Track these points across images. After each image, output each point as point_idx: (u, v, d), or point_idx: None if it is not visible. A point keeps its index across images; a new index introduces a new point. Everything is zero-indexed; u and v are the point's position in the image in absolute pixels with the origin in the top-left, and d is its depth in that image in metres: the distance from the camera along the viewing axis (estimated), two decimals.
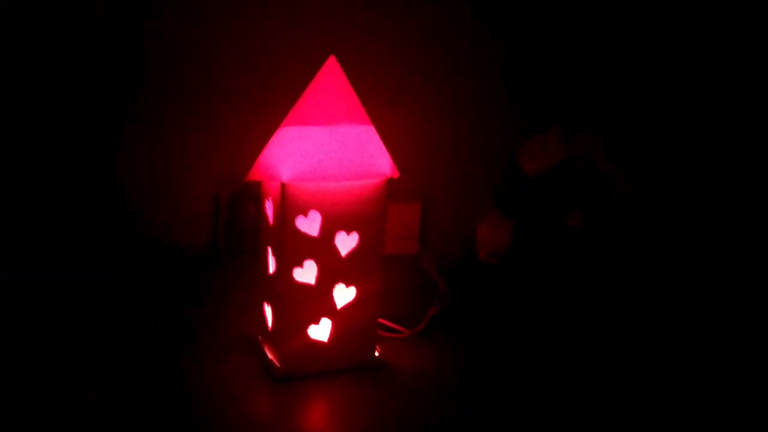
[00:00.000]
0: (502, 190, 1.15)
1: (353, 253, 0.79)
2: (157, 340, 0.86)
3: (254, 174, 0.77)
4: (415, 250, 1.17)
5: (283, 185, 0.74)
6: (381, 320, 0.91)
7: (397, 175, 0.81)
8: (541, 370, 0.86)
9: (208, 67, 1.04)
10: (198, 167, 1.08)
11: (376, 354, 0.85)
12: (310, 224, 0.77)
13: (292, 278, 0.78)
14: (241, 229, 1.08)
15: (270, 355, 0.82)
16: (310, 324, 0.80)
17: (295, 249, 0.77)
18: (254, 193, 1.08)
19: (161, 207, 1.07)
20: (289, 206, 0.75)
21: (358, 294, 0.81)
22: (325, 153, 0.76)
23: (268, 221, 0.80)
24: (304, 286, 0.78)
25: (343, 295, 0.81)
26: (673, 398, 0.81)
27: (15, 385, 0.75)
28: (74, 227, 1.02)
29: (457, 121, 1.18)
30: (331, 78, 0.75)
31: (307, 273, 0.78)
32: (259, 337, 0.86)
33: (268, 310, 0.83)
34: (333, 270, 0.79)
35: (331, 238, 0.78)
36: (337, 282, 0.80)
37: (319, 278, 0.79)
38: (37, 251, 0.99)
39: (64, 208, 1.01)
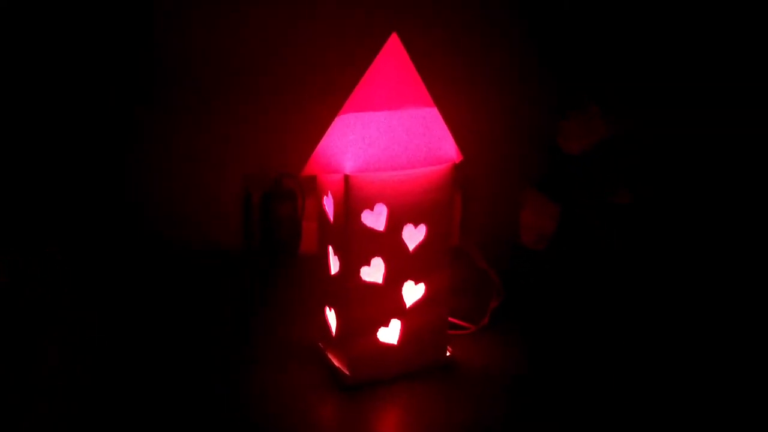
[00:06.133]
0: (545, 172, 1.10)
1: (421, 247, 0.73)
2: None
3: (312, 167, 0.70)
4: (455, 242, 1.12)
5: (346, 178, 0.68)
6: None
7: (461, 158, 0.75)
8: (609, 356, 0.81)
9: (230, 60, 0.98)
10: (228, 166, 1.02)
11: (448, 354, 0.79)
12: (376, 218, 0.71)
13: (359, 278, 0.71)
14: (275, 228, 1.02)
15: (336, 363, 0.76)
16: (379, 326, 0.74)
17: (361, 246, 0.71)
18: (287, 191, 1.02)
19: (191, 206, 1.01)
20: (354, 200, 0.69)
21: (427, 291, 0.75)
22: (391, 139, 0.70)
23: (327, 219, 0.74)
24: (372, 286, 0.72)
25: (412, 292, 0.75)
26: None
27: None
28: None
29: (490, 106, 1.13)
30: (393, 58, 0.68)
31: (374, 271, 0.72)
32: (320, 344, 0.80)
33: (331, 315, 0.77)
34: (401, 267, 0.73)
35: (399, 231, 0.72)
36: (405, 279, 0.74)
37: (386, 276, 0.72)
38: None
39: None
